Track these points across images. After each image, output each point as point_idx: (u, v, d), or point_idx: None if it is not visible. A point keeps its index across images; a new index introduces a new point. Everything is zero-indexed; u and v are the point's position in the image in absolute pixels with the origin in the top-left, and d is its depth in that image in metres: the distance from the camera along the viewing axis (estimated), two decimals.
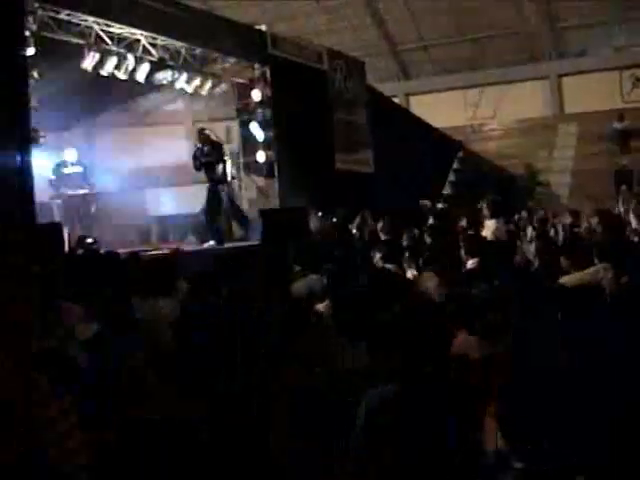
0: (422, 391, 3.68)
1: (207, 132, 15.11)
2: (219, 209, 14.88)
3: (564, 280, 6.23)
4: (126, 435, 4.36)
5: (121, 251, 10.95)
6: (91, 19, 13.82)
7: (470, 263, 7.67)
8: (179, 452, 4.58)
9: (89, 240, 13.43)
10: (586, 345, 4.07)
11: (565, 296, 5.14)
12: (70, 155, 15.61)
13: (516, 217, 16.21)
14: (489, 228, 11.27)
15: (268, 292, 6.36)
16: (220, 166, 14.82)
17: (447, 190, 25.22)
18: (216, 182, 14.83)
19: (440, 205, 15.51)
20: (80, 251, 12.19)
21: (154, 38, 15.26)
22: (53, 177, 15.22)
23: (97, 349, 4.33)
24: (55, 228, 12.36)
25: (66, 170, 15.45)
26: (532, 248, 7.59)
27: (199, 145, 14.87)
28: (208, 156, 14.65)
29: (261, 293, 6.35)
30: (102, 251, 11.53)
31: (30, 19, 12.45)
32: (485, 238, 10.60)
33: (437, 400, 3.63)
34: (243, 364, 5.21)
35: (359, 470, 3.69)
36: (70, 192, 15.29)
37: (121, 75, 14.96)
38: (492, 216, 11.54)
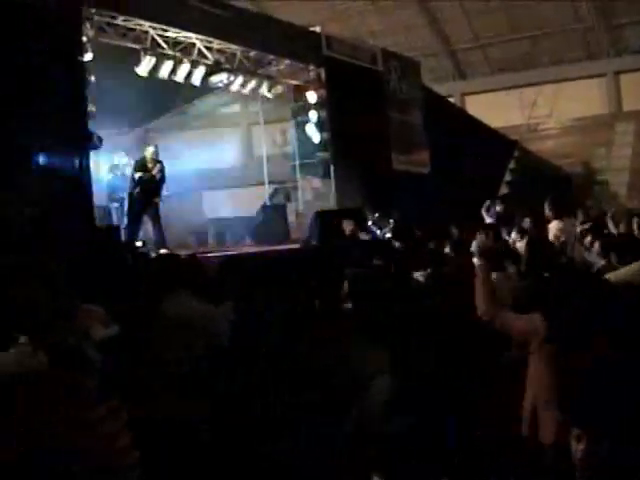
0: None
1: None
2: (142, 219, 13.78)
3: (609, 276, 6.07)
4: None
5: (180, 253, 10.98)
6: (147, 24, 13.94)
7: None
8: (180, 452, 4.56)
9: (138, 243, 13.30)
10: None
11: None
12: (121, 159, 15.71)
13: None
14: (552, 229, 11.08)
15: (269, 292, 6.28)
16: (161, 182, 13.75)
17: (504, 190, 25.00)
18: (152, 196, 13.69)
19: (498, 207, 15.22)
20: (129, 255, 11.92)
21: (209, 42, 15.33)
22: (110, 180, 15.38)
23: (111, 351, 4.31)
24: (113, 231, 12.51)
25: (119, 173, 15.57)
26: (596, 246, 7.39)
27: (147, 171, 13.51)
28: (160, 173, 13.53)
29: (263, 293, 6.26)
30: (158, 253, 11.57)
31: (87, 25, 12.59)
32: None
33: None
34: (243, 364, 5.18)
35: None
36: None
37: (177, 79, 15.03)
38: (555, 217, 11.33)
